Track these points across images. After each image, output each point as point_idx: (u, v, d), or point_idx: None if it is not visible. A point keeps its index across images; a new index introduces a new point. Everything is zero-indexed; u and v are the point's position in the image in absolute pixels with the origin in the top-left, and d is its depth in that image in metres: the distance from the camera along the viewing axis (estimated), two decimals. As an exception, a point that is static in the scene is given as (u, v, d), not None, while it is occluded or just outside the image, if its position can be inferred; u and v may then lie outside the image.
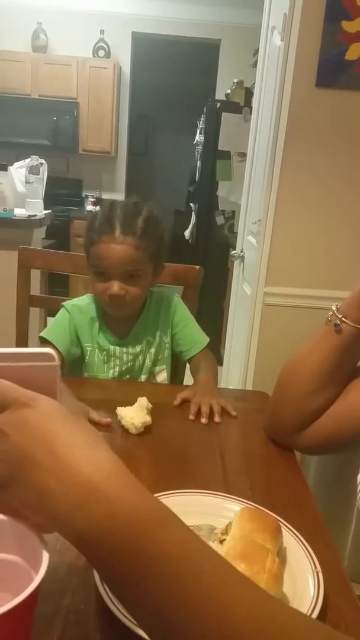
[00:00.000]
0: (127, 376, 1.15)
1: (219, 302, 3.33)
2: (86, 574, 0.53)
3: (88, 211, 4.24)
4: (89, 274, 1.08)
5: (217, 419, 0.91)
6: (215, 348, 3.29)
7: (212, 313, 3.34)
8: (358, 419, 0.72)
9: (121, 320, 1.13)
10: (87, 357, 1.12)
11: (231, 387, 2.35)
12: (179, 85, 5.44)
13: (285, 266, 1.82)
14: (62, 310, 1.14)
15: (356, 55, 1.65)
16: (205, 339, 1.18)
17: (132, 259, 1.02)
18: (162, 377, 1.19)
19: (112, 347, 1.12)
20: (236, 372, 2.20)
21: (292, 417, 0.78)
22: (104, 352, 1.12)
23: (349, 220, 1.75)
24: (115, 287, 1.02)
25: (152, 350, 1.16)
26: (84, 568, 0.54)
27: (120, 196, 4.54)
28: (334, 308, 0.74)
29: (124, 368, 1.14)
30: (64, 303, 1.15)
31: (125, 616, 0.46)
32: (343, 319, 0.72)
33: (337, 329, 0.73)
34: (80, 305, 1.14)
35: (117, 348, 1.13)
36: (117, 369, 1.14)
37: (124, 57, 4.33)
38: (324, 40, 1.64)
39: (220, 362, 2.82)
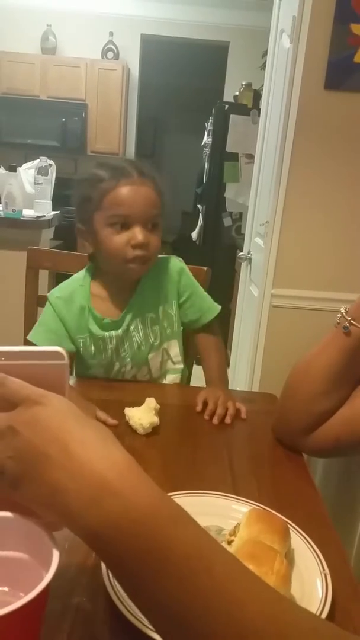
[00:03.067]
0: (129, 359, 1.07)
1: (225, 304, 3.30)
2: (94, 573, 0.53)
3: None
4: (98, 234, 0.97)
5: (228, 420, 0.91)
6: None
7: (219, 314, 3.33)
8: None
9: (113, 299, 1.04)
10: (81, 349, 1.05)
11: (238, 389, 2.34)
12: (187, 87, 5.45)
13: (293, 268, 1.81)
14: (46, 305, 1.05)
15: (365, 58, 1.65)
16: (216, 307, 1.11)
17: (154, 202, 0.95)
18: (175, 352, 1.11)
19: (107, 334, 1.04)
20: (243, 373, 2.19)
21: (301, 419, 0.78)
22: (100, 341, 1.04)
23: (357, 222, 1.74)
24: (140, 233, 0.94)
25: (156, 328, 1.07)
26: (93, 567, 0.54)
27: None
28: (342, 310, 0.74)
29: (123, 354, 1.06)
30: (49, 293, 1.06)
31: (133, 615, 0.46)
32: (352, 321, 0.72)
33: (346, 331, 0.73)
34: (64, 295, 1.04)
35: (113, 333, 1.04)
36: (116, 355, 1.06)
37: (132, 59, 4.35)
38: (332, 42, 1.64)
39: (227, 363, 2.82)
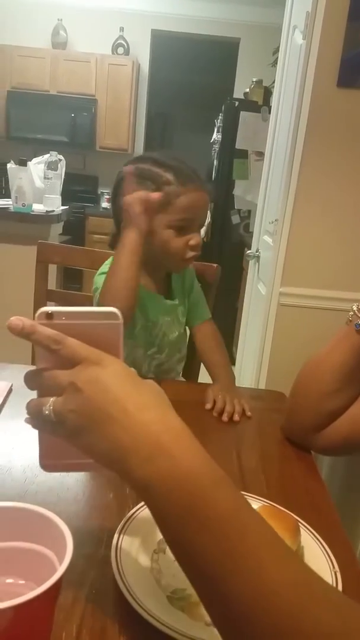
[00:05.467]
0: (167, 349, 1.12)
1: (232, 301, 3.33)
2: (104, 565, 0.53)
3: (104, 208, 4.26)
4: (156, 232, 1.00)
5: (236, 417, 0.92)
6: (228, 347, 3.29)
7: (225, 312, 3.34)
8: None
9: (160, 288, 1.12)
10: (137, 328, 1.09)
11: (244, 386, 2.34)
12: (197, 83, 5.43)
13: (301, 266, 1.81)
14: (102, 277, 1.07)
15: (379, 55, 1.63)
16: (208, 314, 1.18)
17: (209, 208, 1.04)
18: (185, 344, 1.19)
19: (160, 319, 1.09)
20: (249, 371, 2.19)
21: (310, 417, 0.78)
22: (150, 324, 1.09)
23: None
24: (198, 237, 1.02)
25: (183, 320, 1.15)
26: (102, 560, 0.54)
27: (135, 193, 4.54)
28: (355, 308, 0.74)
29: (165, 339, 1.11)
30: (102, 270, 1.07)
31: (142, 608, 0.46)
32: None
33: (358, 329, 0.72)
34: None
35: (166, 318, 1.11)
36: (158, 340, 1.11)
37: (143, 54, 4.34)
38: (346, 39, 1.62)
39: (232, 362, 2.82)
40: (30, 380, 0.41)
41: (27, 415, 0.42)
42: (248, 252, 2.45)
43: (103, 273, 1.06)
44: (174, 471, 0.36)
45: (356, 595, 0.53)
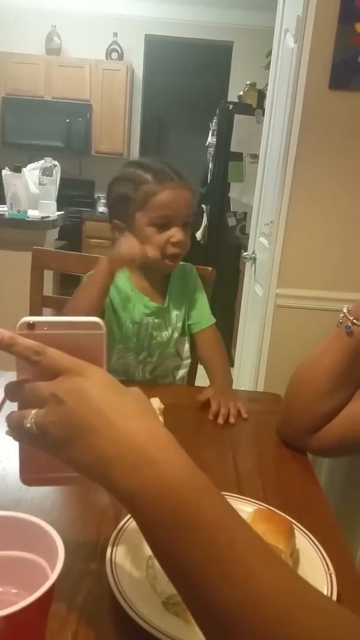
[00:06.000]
0: (158, 351, 1.13)
1: (230, 303, 3.33)
2: (99, 573, 0.53)
3: (100, 212, 4.26)
4: (138, 231, 1.03)
5: (232, 420, 0.92)
6: (227, 349, 3.28)
7: (223, 314, 3.32)
8: None
9: (153, 288, 1.12)
10: (126, 330, 1.09)
11: (243, 389, 2.34)
12: (192, 87, 5.44)
13: (297, 268, 1.81)
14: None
15: (370, 57, 1.64)
16: (212, 319, 1.19)
17: (191, 204, 1.04)
18: (185, 349, 1.19)
19: (146, 320, 1.10)
20: (247, 373, 2.19)
21: (305, 420, 0.78)
22: (137, 325, 1.10)
23: (361, 223, 1.74)
24: (180, 233, 1.03)
25: (179, 324, 1.15)
26: (97, 568, 0.54)
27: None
28: (345, 310, 0.74)
29: (153, 341, 1.12)
30: (91, 272, 1.07)
31: (138, 616, 0.46)
32: (355, 321, 0.72)
33: (349, 331, 0.72)
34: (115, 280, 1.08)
35: (151, 320, 1.11)
36: (147, 342, 1.11)
37: (137, 59, 4.35)
38: (337, 42, 1.63)
39: (231, 363, 2.82)
40: (11, 392, 0.41)
41: (8, 428, 0.41)
42: (244, 254, 2.45)
43: None
44: (159, 480, 0.35)
45: (352, 596, 0.54)
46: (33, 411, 0.39)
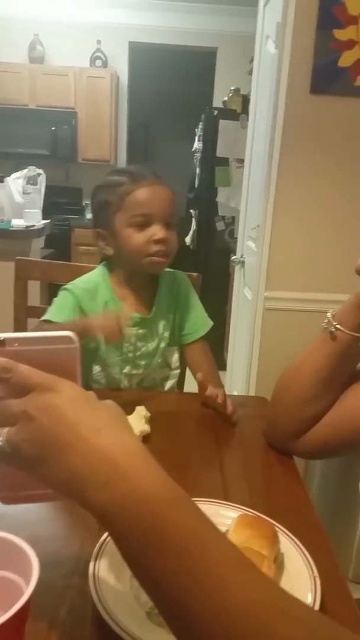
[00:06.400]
0: (143, 362, 1.11)
1: (221, 307, 3.34)
2: (83, 587, 0.52)
3: (88, 219, 4.26)
4: (119, 234, 1.02)
5: (230, 409, 0.94)
6: (219, 352, 3.30)
7: (214, 318, 3.32)
8: (354, 424, 0.72)
9: (138, 297, 1.09)
10: (104, 347, 1.06)
11: (235, 392, 2.35)
12: (177, 93, 5.48)
13: (285, 270, 1.82)
14: (64, 293, 1.05)
15: (349, 62, 1.66)
16: (209, 323, 1.17)
17: (172, 201, 1.02)
18: (175, 359, 1.17)
19: (129, 330, 1.05)
20: (240, 376, 2.20)
21: (290, 424, 0.78)
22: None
23: (345, 224, 1.75)
24: (161, 230, 1.00)
25: (167, 334, 1.13)
26: (80, 582, 0.54)
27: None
28: (329, 315, 0.74)
29: (138, 353, 1.09)
30: (66, 286, 1.06)
31: (122, 629, 0.46)
32: (338, 326, 0.72)
33: (332, 336, 0.73)
34: (90, 288, 1.06)
35: (134, 330, 1.07)
36: (131, 354, 1.09)
37: (121, 66, 4.37)
38: (316, 48, 1.65)
39: (223, 367, 2.82)
40: None
41: None
42: (233, 257, 2.47)
43: (65, 289, 1.06)
44: (132, 494, 0.35)
45: (337, 599, 0.54)
46: (5, 429, 0.38)
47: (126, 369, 1.11)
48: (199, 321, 1.16)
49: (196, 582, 0.34)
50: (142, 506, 0.35)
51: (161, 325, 1.12)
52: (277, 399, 0.81)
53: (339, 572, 0.58)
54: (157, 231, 1.00)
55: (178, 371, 1.19)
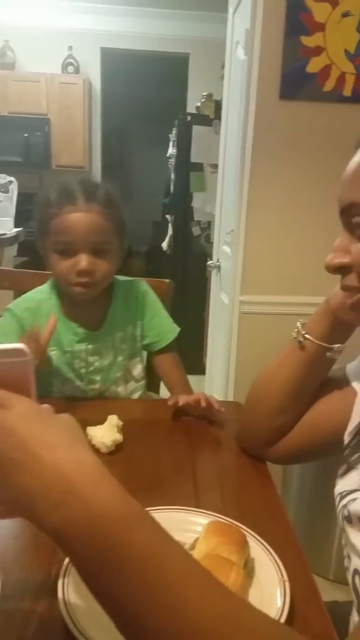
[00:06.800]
0: (98, 377, 1.09)
1: (199, 312, 3.35)
2: (51, 603, 0.51)
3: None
4: (47, 258, 0.98)
5: (216, 406, 0.94)
6: (198, 357, 3.30)
7: (193, 323, 3.35)
8: (325, 431, 0.72)
9: (87, 312, 1.04)
10: (56, 362, 1.05)
11: (214, 396, 2.35)
12: (151, 99, 5.49)
13: (259, 274, 1.84)
14: (7, 315, 1.03)
15: (317, 68, 1.69)
16: (175, 329, 1.13)
17: (100, 229, 0.95)
18: (138, 370, 1.14)
19: (77, 347, 1.04)
20: (218, 381, 2.20)
21: (263, 433, 0.78)
22: (68, 354, 1.05)
23: (317, 228, 1.78)
24: (84, 261, 0.94)
25: (125, 346, 1.10)
26: (49, 597, 0.53)
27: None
28: (299, 325, 0.74)
29: (90, 368, 1.07)
30: (9, 306, 1.04)
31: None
32: (307, 335, 0.72)
33: (301, 345, 0.73)
34: (31, 306, 1.03)
35: (84, 346, 1.05)
36: (85, 371, 1.07)
37: (93, 72, 4.36)
38: (285, 54, 1.68)
39: (202, 371, 2.82)
40: None
41: None
42: (209, 262, 2.48)
43: (8, 310, 1.04)
44: (86, 514, 0.34)
45: (307, 603, 0.54)
46: None
47: (81, 384, 1.09)
48: (164, 329, 1.13)
49: (154, 601, 0.33)
50: (97, 526, 0.34)
51: (117, 338, 1.09)
52: (250, 408, 0.81)
53: (309, 575, 0.58)
54: (80, 261, 0.94)
55: (143, 382, 1.17)
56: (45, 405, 0.41)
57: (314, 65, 1.69)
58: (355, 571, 0.53)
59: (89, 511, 0.34)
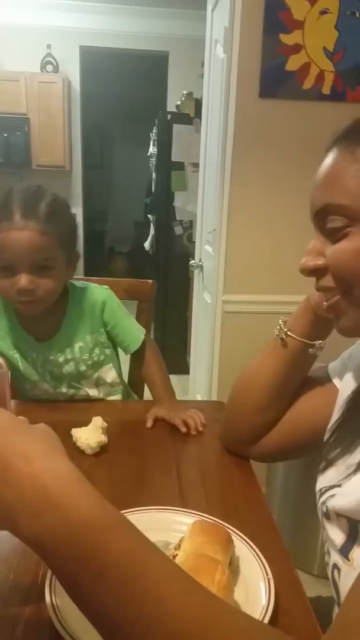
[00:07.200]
0: (64, 384, 1.08)
1: (182, 311, 3.35)
2: (40, 602, 0.52)
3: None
4: None
5: (200, 429, 0.93)
6: (182, 357, 3.31)
7: (176, 322, 3.36)
8: (307, 429, 0.73)
9: (41, 322, 1.02)
10: (21, 366, 1.05)
11: (198, 396, 2.35)
12: (131, 97, 5.47)
13: (240, 274, 1.84)
14: None
15: (296, 67, 1.70)
16: (139, 338, 1.09)
17: (39, 247, 0.90)
18: (112, 376, 1.13)
19: (35, 355, 1.04)
20: (202, 380, 2.21)
21: (245, 431, 0.79)
22: (29, 359, 1.05)
23: (297, 226, 1.79)
24: (23, 280, 0.90)
25: (86, 356, 1.08)
26: (37, 598, 0.53)
27: (78, 210, 4.52)
28: (280, 322, 0.75)
29: (53, 375, 1.07)
30: None
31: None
32: (288, 332, 0.73)
33: (283, 342, 0.73)
34: None
35: (41, 355, 1.04)
36: (48, 376, 1.07)
37: (73, 71, 4.32)
38: (264, 52, 1.68)
39: (186, 371, 2.83)
40: None
41: None
42: (192, 262, 2.48)
43: None
44: (65, 525, 0.35)
45: (291, 599, 0.54)
46: None
47: (49, 387, 1.09)
48: (128, 337, 1.10)
49: (135, 608, 0.33)
50: (76, 535, 0.34)
51: (76, 348, 1.07)
52: (232, 407, 0.82)
53: (293, 572, 0.59)
54: (19, 280, 0.91)
55: (120, 387, 1.16)
56: (22, 418, 0.41)
57: (293, 63, 1.70)
58: (334, 566, 0.53)
59: (68, 522, 0.35)
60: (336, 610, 0.56)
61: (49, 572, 0.54)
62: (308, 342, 0.72)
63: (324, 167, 0.56)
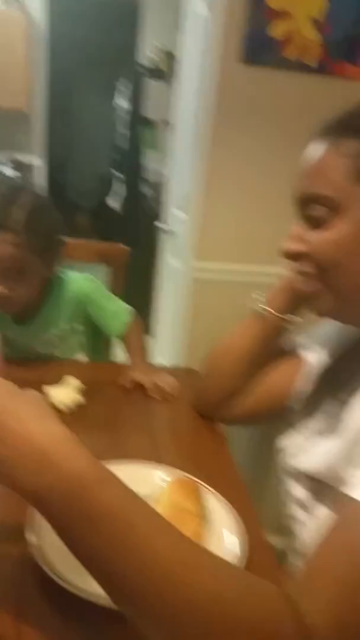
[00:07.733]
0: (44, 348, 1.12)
1: (148, 274, 3.34)
2: (25, 546, 0.55)
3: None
4: None
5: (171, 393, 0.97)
6: (145, 319, 3.29)
7: (143, 284, 3.34)
8: (274, 397, 0.79)
9: (24, 310, 1.05)
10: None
11: (160, 358, 2.39)
12: (100, 43, 5.17)
13: (215, 241, 1.81)
14: None
15: (280, 33, 1.65)
16: (126, 315, 1.11)
17: (13, 258, 0.91)
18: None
19: (10, 333, 1.07)
20: (165, 344, 2.23)
21: (219, 397, 0.84)
22: (5, 338, 1.07)
23: (279, 196, 1.73)
24: None
25: (61, 342, 1.11)
26: (23, 541, 0.56)
27: (39, 160, 4.33)
28: (256, 296, 0.78)
29: (31, 353, 1.10)
30: None
31: (60, 577, 0.50)
32: (267, 307, 0.77)
33: (261, 317, 0.77)
34: None
35: (18, 336, 1.08)
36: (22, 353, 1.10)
37: (38, 8, 4.02)
38: (249, 14, 1.62)
39: (147, 331, 2.85)
40: None
41: None
42: (159, 225, 2.45)
43: None
44: (61, 481, 0.38)
45: (258, 553, 0.60)
46: None
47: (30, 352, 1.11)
48: (113, 325, 1.11)
49: (126, 555, 0.38)
50: (71, 490, 0.38)
51: (51, 334, 1.09)
52: (209, 374, 0.86)
53: (259, 528, 0.65)
54: None
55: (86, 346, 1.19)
56: (11, 383, 0.44)
57: (277, 30, 1.66)
58: (294, 518, 0.62)
59: (64, 478, 0.38)
60: (290, 558, 0.64)
61: (34, 514, 0.57)
62: (286, 317, 0.76)
63: (311, 158, 0.58)
